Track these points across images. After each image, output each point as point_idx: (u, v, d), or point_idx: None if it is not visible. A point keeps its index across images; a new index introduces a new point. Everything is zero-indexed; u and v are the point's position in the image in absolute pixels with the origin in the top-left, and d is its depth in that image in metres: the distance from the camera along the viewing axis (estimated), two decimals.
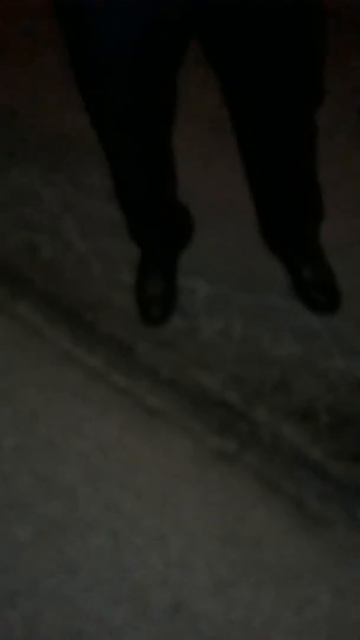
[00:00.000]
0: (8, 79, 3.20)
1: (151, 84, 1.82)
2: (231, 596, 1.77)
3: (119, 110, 1.88)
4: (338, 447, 2.00)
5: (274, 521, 1.89)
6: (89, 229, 2.61)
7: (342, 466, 1.96)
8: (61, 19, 1.76)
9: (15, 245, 2.59)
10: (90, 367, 2.24)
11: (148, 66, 1.76)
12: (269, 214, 2.28)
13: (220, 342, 2.26)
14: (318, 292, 2.28)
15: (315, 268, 2.30)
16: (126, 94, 1.83)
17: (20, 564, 1.88)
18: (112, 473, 2.02)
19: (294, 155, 2.04)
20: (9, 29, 3.38)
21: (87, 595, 1.81)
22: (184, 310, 2.34)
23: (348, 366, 2.14)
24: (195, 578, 1.81)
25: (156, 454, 2.04)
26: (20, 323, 2.37)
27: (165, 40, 1.73)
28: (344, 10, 3.00)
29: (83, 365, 2.25)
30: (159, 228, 2.33)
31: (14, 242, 2.59)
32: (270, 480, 1.96)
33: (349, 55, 2.98)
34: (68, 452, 2.06)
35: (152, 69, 1.78)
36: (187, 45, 1.78)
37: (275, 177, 2.11)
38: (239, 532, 1.88)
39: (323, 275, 2.29)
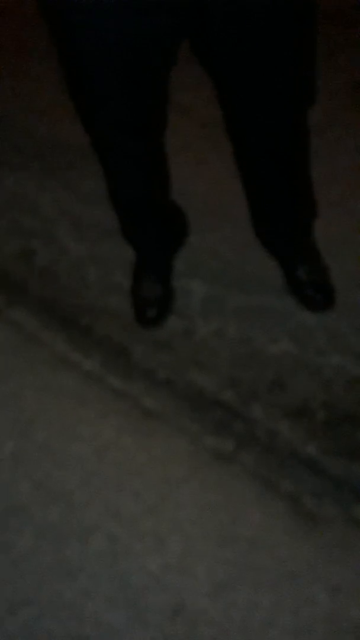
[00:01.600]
0: (0, 86, 3.21)
1: (143, 87, 1.82)
2: (229, 598, 1.78)
3: (111, 113, 1.88)
4: (333, 444, 2.00)
5: (271, 521, 1.89)
6: (83, 233, 2.62)
7: (338, 463, 1.96)
8: (49, 23, 1.76)
9: (11, 252, 2.60)
10: (86, 371, 2.25)
11: (139, 69, 1.76)
12: (262, 213, 2.29)
13: (215, 343, 2.27)
14: (312, 289, 2.28)
15: (309, 266, 2.30)
16: (118, 98, 1.84)
17: (20, 569, 1.88)
18: (110, 476, 2.02)
19: (287, 153, 2.04)
20: (1, 36, 3.39)
21: (86, 600, 1.82)
22: (180, 311, 2.34)
23: (342, 363, 2.14)
24: (193, 580, 1.82)
25: (153, 456, 2.05)
26: (16, 328, 2.38)
27: (156, 43, 1.73)
28: (336, 7, 3.00)
29: (79, 369, 2.26)
30: (154, 230, 2.33)
31: (10, 249, 2.61)
32: (266, 479, 1.96)
33: (340, 53, 2.97)
34: (66, 457, 2.07)
35: (144, 72, 1.78)
36: (179, 48, 1.78)
37: (268, 175, 2.12)
38: (236, 533, 1.88)
39: (317, 272, 2.30)
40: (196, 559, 1.85)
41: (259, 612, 1.75)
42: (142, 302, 2.35)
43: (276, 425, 2.06)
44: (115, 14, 1.64)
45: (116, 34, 1.68)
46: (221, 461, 2.01)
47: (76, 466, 2.05)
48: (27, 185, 2.80)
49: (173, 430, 2.09)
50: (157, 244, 2.39)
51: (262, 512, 1.91)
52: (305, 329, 2.24)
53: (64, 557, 1.89)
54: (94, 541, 1.91)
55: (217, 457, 2.02)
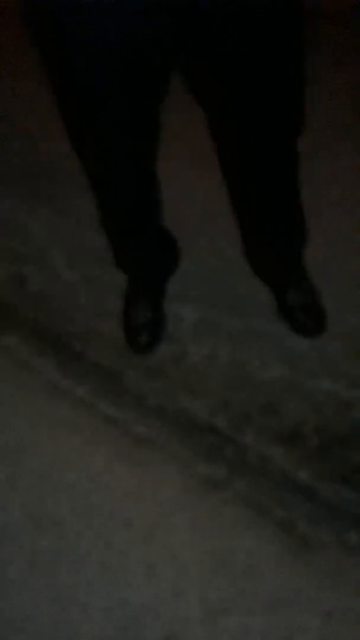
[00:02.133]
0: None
1: (143, 88, 1.81)
2: (221, 625, 1.77)
3: (112, 115, 1.87)
4: (326, 468, 1.99)
5: (264, 547, 1.88)
6: (75, 258, 2.62)
7: (331, 488, 1.95)
8: (38, 30, 1.75)
9: (2, 277, 2.59)
10: (78, 397, 2.24)
11: (139, 69, 1.75)
12: (253, 238, 2.29)
13: (207, 368, 2.26)
14: (303, 314, 2.28)
15: (300, 291, 2.30)
16: (117, 98, 1.82)
17: (11, 598, 1.87)
18: (102, 504, 2.01)
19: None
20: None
21: (79, 629, 1.80)
22: (172, 336, 2.34)
23: (334, 387, 2.14)
24: (185, 607, 1.80)
25: (145, 483, 2.04)
26: (7, 355, 2.37)
27: (156, 43, 1.71)
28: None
29: (71, 396, 2.25)
30: (145, 255, 2.33)
31: (1, 274, 2.60)
32: (259, 505, 1.95)
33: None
34: (57, 484, 2.06)
35: (144, 72, 1.76)
36: (179, 49, 1.77)
37: (259, 201, 2.12)
38: (229, 559, 1.87)
39: (308, 297, 2.30)
40: (188, 585, 1.84)
41: (251, 638, 1.74)
42: (134, 328, 2.34)
43: (268, 451, 2.05)
44: (116, 13, 1.64)
45: (116, 34, 1.68)
46: (213, 487, 2.01)
47: (68, 494, 2.04)
48: (18, 210, 2.79)
49: (165, 457, 2.08)
50: (149, 270, 2.38)
51: (254, 537, 1.90)
52: (297, 353, 2.23)
53: (55, 586, 1.88)
54: (86, 569, 1.90)
55: (209, 483, 2.01)
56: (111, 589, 1.86)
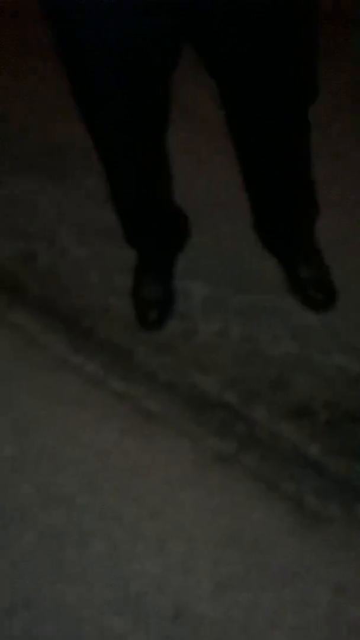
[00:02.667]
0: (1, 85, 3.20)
1: (143, 88, 1.82)
2: (231, 599, 1.76)
3: (112, 113, 1.88)
4: (336, 443, 1.98)
5: (273, 521, 1.87)
6: (84, 235, 2.61)
7: (341, 463, 1.95)
8: (50, 23, 1.76)
9: (12, 254, 2.59)
10: (88, 374, 2.24)
11: (139, 69, 1.76)
12: (263, 213, 2.27)
13: (217, 344, 2.25)
14: (314, 289, 2.26)
15: (311, 265, 2.28)
16: (118, 98, 1.83)
17: (20, 573, 1.87)
18: (111, 480, 2.01)
19: (288, 152, 2.03)
20: (1, 35, 3.38)
21: (87, 604, 1.80)
22: (181, 313, 2.33)
23: (345, 362, 2.12)
24: (195, 582, 1.80)
25: (155, 459, 2.03)
26: (17, 332, 2.37)
27: (156, 43, 1.72)
28: (336, 7, 2.98)
29: (81, 371, 2.25)
30: (155, 231, 2.32)
31: (10, 251, 2.60)
32: (269, 480, 1.95)
33: (342, 50, 2.96)
34: (67, 461, 2.06)
35: (144, 72, 1.77)
36: (180, 50, 1.78)
37: (269, 174, 2.11)
38: (238, 534, 1.86)
39: (319, 272, 2.28)
40: (198, 560, 1.83)
41: (260, 612, 1.73)
42: (144, 305, 2.34)
43: (278, 426, 2.04)
44: (116, 13, 1.63)
45: (116, 34, 1.68)
46: (223, 463, 2.00)
47: (77, 470, 2.04)
48: (28, 187, 2.79)
49: (175, 432, 2.08)
50: (159, 246, 2.38)
51: (264, 512, 1.89)
52: (307, 328, 2.22)
53: (64, 561, 1.87)
54: (95, 544, 1.90)
55: (219, 459, 2.01)
56: (120, 564, 1.86)
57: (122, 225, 2.31)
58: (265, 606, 1.74)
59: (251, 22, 1.67)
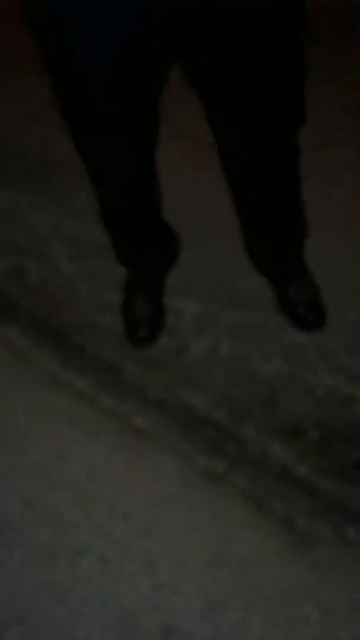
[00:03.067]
0: None
1: (139, 88, 1.81)
2: (220, 618, 1.77)
3: (107, 114, 1.87)
4: (326, 463, 1.99)
5: (262, 541, 1.88)
6: (76, 251, 2.61)
7: (331, 483, 1.96)
8: (39, 29, 1.75)
9: (3, 269, 2.59)
10: (78, 390, 2.24)
11: (135, 69, 1.75)
12: (253, 232, 2.29)
13: (208, 361, 2.26)
14: (304, 309, 2.28)
15: (301, 285, 2.30)
16: (114, 98, 1.83)
17: (10, 590, 1.87)
18: (101, 496, 2.01)
19: (277, 173, 2.04)
20: None
21: (76, 621, 1.80)
22: (172, 330, 2.34)
23: (335, 382, 2.14)
24: (184, 601, 1.80)
25: (145, 476, 2.04)
26: (7, 347, 2.37)
27: (152, 43, 1.72)
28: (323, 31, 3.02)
29: (70, 388, 2.25)
30: (145, 248, 2.33)
31: (1, 266, 2.59)
32: (258, 499, 1.96)
33: (330, 76, 2.98)
34: (56, 476, 2.06)
35: (139, 72, 1.77)
36: (169, 64, 1.78)
37: (259, 195, 2.12)
38: (228, 553, 1.87)
39: (308, 292, 2.30)
40: (187, 579, 1.84)
41: (249, 632, 1.74)
42: (134, 321, 2.34)
43: (268, 445, 2.05)
44: (111, 14, 1.64)
45: (112, 34, 1.68)
46: (213, 481, 2.01)
47: (67, 486, 2.04)
48: (19, 202, 2.79)
49: (164, 450, 2.08)
50: (149, 262, 2.38)
51: (253, 532, 1.90)
52: (297, 348, 2.23)
53: (54, 578, 1.88)
54: (85, 562, 1.90)
55: (208, 477, 2.01)
56: (110, 581, 1.86)
57: (112, 242, 2.32)
58: (254, 626, 1.75)
59: (250, 16, 1.67)
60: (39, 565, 1.90)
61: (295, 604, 1.76)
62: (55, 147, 2.81)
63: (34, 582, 1.87)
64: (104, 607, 1.81)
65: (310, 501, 1.93)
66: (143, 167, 2.06)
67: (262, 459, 2.02)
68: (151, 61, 1.75)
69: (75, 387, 2.25)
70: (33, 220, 2.72)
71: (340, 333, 2.23)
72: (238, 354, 2.26)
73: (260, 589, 1.80)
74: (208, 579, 1.83)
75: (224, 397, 2.16)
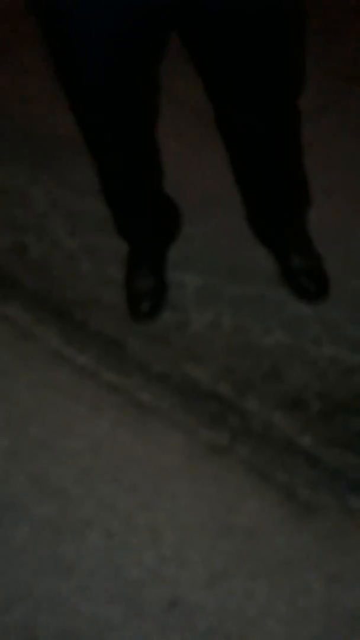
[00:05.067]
0: None
1: (133, 77, 1.81)
2: (225, 588, 1.78)
3: (102, 104, 1.87)
4: (328, 434, 2.00)
5: (266, 511, 1.89)
6: (76, 226, 2.61)
7: (333, 453, 1.96)
8: (38, 16, 1.75)
9: (3, 246, 2.59)
10: (81, 365, 2.24)
11: (127, 59, 1.75)
12: (255, 204, 2.28)
13: (210, 335, 2.26)
14: (306, 279, 2.27)
15: (303, 255, 2.29)
16: (108, 88, 1.83)
17: (15, 565, 1.88)
18: (105, 470, 2.02)
19: (278, 142, 2.03)
20: None
21: (82, 595, 1.81)
22: (174, 304, 2.34)
23: (337, 353, 2.13)
24: (189, 572, 1.81)
25: (149, 450, 2.04)
26: (10, 324, 2.37)
27: (143, 33, 1.72)
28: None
29: (74, 363, 2.25)
30: (146, 222, 2.33)
31: (2, 243, 2.59)
32: (262, 470, 1.96)
33: (332, 41, 2.96)
34: (61, 452, 2.07)
35: (132, 62, 1.77)
36: (167, 39, 1.77)
37: (259, 165, 2.11)
38: (232, 523, 1.88)
39: (311, 262, 2.29)
40: (192, 550, 1.85)
41: (254, 601, 1.75)
42: (136, 296, 2.34)
43: (271, 417, 2.05)
44: (104, 4, 1.63)
45: (105, 24, 1.67)
46: (216, 453, 2.01)
47: (71, 461, 2.04)
48: (19, 178, 2.78)
49: (168, 423, 2.09)
50: (150, 237, 2.38)
51: (257, 502, 1.91)
52: (299, 319, 2.23)
53: (59, 552, 1.89)
54: (90, 536, 1.91)
55: (212, 449, 2.02)
56: (115, 554, 1.87)
57: (112, 217, 2.31)
58: (259, 595, 1.76)
59: (240, 14, 1.67)
60: (44, 540, 1.91)
61: (299, 574, 1.77)
62: (55, 122, 2.79)
63: (39, 557, 1.89)
64: (109, 581, 1.83)
65: (313, 471, 1.94)
66: (142, 141, 2.05)
67: (265, 431, 2.03)
68: (147, 32, 1.74)
69: (79, 363, 2.25)
70: (33, 196, 2.72)
71: (343, 303, 2.23)
72: (240, 326, 2.26)
73: (265, 559, 1.81)
74: (212, 549, 1.84)
75: (226, 369, 2.17)
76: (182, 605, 1.77)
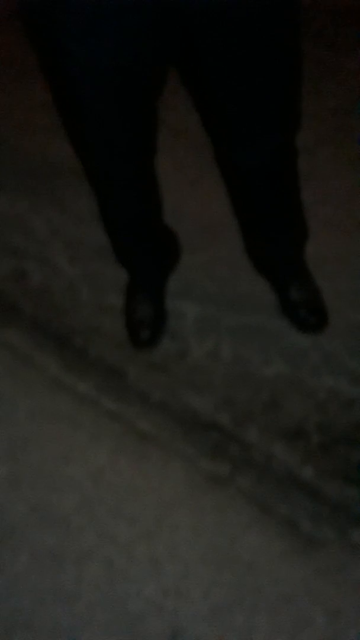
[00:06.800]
0: None
1: (133, 109, 1.82)
2: (226, 621, 1.77)
3: (102, 136, 1.88)
4: (329, 466, 2.00)
5: (267, 544, 1.89)
6: (76, 254, 2.62)
7: (334, 486, 1.96)
8: (37, 48, 1.77)
9: (4, 273, 2.59)
10: (80, 393, 2.25)
11: (127, 94, 1.77)
12: (253, 234, 2.30)
13: (210, 364, 2.27)
14: (305, 311, 2.28)
15: (302, 287, 2.30)
16: (108, 120, 1.84)
17: (16, 595, 1.87)
18: (105, 500, 2.02)
19: (276, 178, 2.05)
20: None
21: (83, 626, 1.81)
22: (174, 332, 2.34)
23: (337, 384, 2.14)
24: (190, 605, 1.81)
25: (148, 479, 2.05)
26: (10, 350, 2.37)
27: (145, 64, 1.73)
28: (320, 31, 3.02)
29: (73, 391, 2.25)
30: (146, 251, 2.34)
31: (2, 269, 2.60)
32: (263, 502, 1.96)
33: (326, 77, 2.99)
34: (61, 480, 2.06)
35: (133, 94, 1.78)
36: (166, 74, 1.79)
37: (258, 200, 2.13)
38: (233, 556, 1.88)
39: (309, 294, 2.30)
40: (193, 582, 1.85)
41: (256, 635, 1.75)
42: (136, 324, 2.35)
43: (271, 448, 2.06)
44: (104, 37, 1.64)
45: (105, 57, 1.68)
46: (217, 484, 2.01)
47: (71, 490, 2.04)
48: (20, 205, 2.79)
49: (168, 453, 2.09)
50: (150, 266, 2.39)
51: (258, 535, 1.91)
52: (299, 350, 2.24)
53: (60, 582, 1.88)
54: (90, 566, 1.90)
55: (212, 480, 2.02)
56: (116, 585, 1.87)
57: (112, 246, 2.32)
58: (260, 629, 1.76)
59: (239, 50, 1.69)
60: (44, 569, 1.90)
61: (301, 608, 1.77)
62: (56, 151, 2.80)
63: (39, 586, 1.88)
64: (109, 612, 1.82)
65: (315, 504, 1.94)
66: (142, 172, 2.06)
67: (266, 462, 2.03)
68: (146, 64, 1.75)
69: (78, 391, 2.25)
70: (34, 224, 2.73)
71: (341, 335, 2.24)
72: (240, 356, 2.27)
73: (266, 592, 1.81)
74: (214, 582, 1.84)
75: (226, 399, 2.17)
76: (182, 637, 1.77)
